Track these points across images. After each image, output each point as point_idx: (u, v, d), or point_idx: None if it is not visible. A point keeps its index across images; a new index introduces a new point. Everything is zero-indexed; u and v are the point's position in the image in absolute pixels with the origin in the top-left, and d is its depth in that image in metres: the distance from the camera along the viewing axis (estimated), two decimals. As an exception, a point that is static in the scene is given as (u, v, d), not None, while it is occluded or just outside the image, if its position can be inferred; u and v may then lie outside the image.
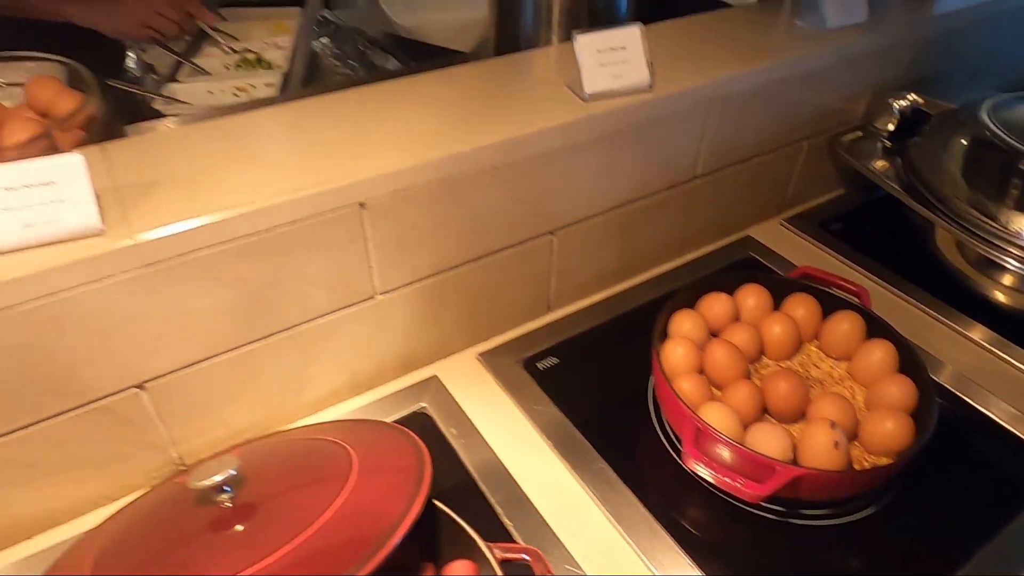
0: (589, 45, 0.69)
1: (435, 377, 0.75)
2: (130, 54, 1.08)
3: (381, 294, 0.67)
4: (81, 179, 0.50)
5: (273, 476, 0.55)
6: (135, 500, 0.60)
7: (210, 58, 1.02)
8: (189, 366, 0.59)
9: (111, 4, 0.95)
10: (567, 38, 0.99)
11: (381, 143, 0.62)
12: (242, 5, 1.19)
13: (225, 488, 0.49)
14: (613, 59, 0.70)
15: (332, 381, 0.70)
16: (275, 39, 1.07)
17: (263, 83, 0.93)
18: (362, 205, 0.60)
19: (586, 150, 0.72)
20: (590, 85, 0.69)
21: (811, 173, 1.00)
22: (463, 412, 0.71)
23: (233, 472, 0.49)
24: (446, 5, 1.17)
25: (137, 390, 0.58)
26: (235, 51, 1.04)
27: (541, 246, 0.76)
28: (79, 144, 0.73)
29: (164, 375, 0.59)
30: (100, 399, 0.56)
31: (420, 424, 0.70)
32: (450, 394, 0.73)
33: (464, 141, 0.63)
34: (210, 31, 1.02)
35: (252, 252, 0.56)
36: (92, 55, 1.03)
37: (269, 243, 0.57)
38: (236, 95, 0.93)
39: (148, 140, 0.62)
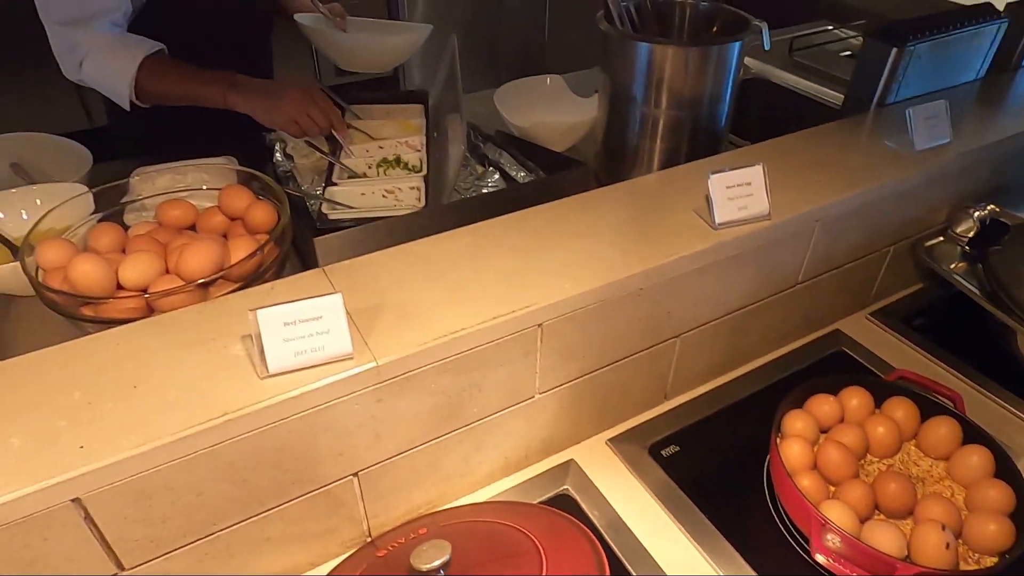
0: (720, 182, 0.80)
1: (572, 461, 0.86)
2: (277, 149, 1.23)
3: (539, 394, 0.78)
4: (340, 314, 0.62)
5: (472, 557, 0.65)
6: (340, 567, 0.72)
7: (350, 158, 1.16)
8: (392, 457, 0.71)
9: (270, 98, 1.07)
10: (669, 150, 1.12)
11: (551, 272, 0.74)
12: (365, 102, 1.34)
13: (441, 570, 0.60)
14: (739, 193, 0.81)
15: (491, 465, 0.81)
16: (406, 138, 1.20)
17: (408, 186, 1.06)
18: (539, 326, 0.71)
19: (712, 269, 0.83)
20: (720, 216, 0.81)
21: (895, 272, 1.09)
22: (602, 496, 0.81)
23: (448, 557, 0.60)
24: (557, 111, 1.30)
25: (352, 477, 0.70)
26: (373, 150, 1.18)
27: (666, 348, 0.87)
28: (277, 255, 0.86)
29: (373, 465, 0.70)
30: (326, 486, 0.68)
31: (566, 506, 0.80)
32: (588, 478, 0.83)
33: (618, 269, 0.75)
34: (342, 141, 1.14)
35: (454, 368, 0.68)
36: (231, 140, 1.19)
37: (467, 360, 0.68)
38: (385, 196, 1.06)
39: (358, 265, 0.75)
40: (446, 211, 0.98)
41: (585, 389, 0.82)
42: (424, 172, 1.09)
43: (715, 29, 1.13)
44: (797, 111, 1.50)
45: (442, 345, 0.65)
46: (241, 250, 0.81)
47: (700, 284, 0.83)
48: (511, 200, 1.02)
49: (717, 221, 0.81)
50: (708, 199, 0.81)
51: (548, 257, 0.76)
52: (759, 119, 1.63)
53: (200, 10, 1.19)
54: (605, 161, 1.20)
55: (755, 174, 0.82)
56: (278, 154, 1.22)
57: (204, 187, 0.99)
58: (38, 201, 0.98)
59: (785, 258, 0.91)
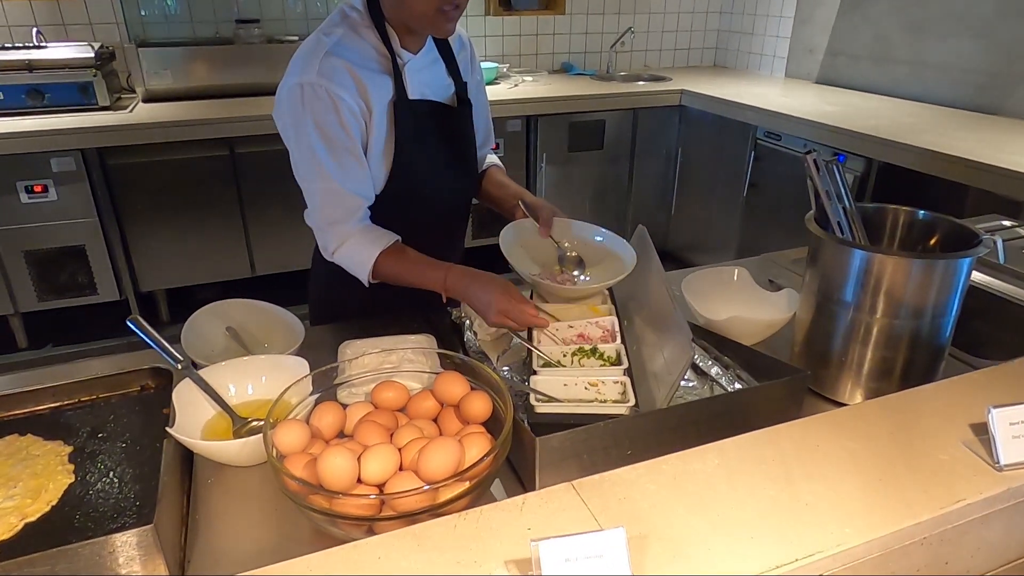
0: (1003, 419, 0.73)
1: None
2: (467, 327, 1.26)
3: (801, 651, 0.68)
4: (623, 553, 0.57)
5: None
6: None
7: (541, 344, 1.15)
8: None
9: (484, 291, 1.10)
10: (883, 359, 1.05)
11: (822, 510, 0.67)
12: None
13: None
14: (1024, 431, 0.73)
15: None
16: (596, 320, 1.19)
17: (611, 380, 1.04)
18: (819, 577, 0.63)
19: (996, 515, 0.73)
20: (1006, 456, 0.72)
21: None
22: None
23: None
24: (750, 305, 1.28)
25: None
26: (563, 330, 1.17)
27: (936, 602, 0.75)
28: (492, 447, 0.83)
29: None
30: None
31: None
32: None
33: (900, 515, 0.67)
34: (528, 344, 1.11)
35: (730, 620, 0.60)
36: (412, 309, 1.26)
37: (744, 612, 0.61)
38: (587, 389, 1.04)
39: (608, 483, 0.71)
40: (662, 413, 0.93)
41: (848, 648, 0.71)
42: (625, 365, 1.06)
43: (935, 240, 1.10)
44: (999, 313, 1.41)
45: (724, 596, 0.59)
46: (474, 448, 0.79)
47: (981, 532, 0.73)
48: (727, 405, 0.97)
49: (1002, 462, 0.72)
50: (990, 435, 0.73)
51: (812, 489, 0.69)
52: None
53: (420, 200, 1.30)
54: (805, 363, 1.14)
55: (1041, 411, 0.74)
56: (468, 332, 1.24)
57: (410, 368, 1.01)
58: (264, 378, 1.02)
59: (1068, 504, 0.80)
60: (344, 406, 0.93)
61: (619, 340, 1.14)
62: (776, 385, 0.97)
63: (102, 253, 2.72)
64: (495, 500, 0.89)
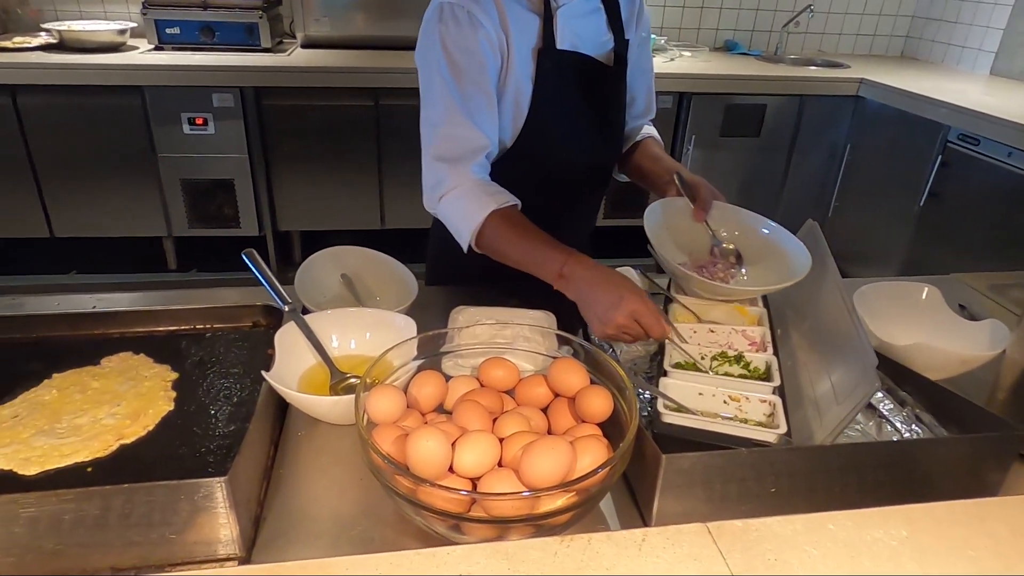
0: None
1: None
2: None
3: None
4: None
5: None
6: None
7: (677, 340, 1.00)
8: None
9: (605, 299, 0.90)
10: None
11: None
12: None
13: None
14: None
15: None
16: (743, 328, 1.02)
17: (757, 397, 0.87)
18: None
19: None
20: None
21: None
22: None
23: None
24: (940, 333, 1.05)
25: None
26: (702, 333, 1.01)
27: None
28: (609, 458, 0.70)
29: None
30: None
31: None
32: None
33: None
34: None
35: None
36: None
37: None
38: (727, 403, 0.88)
39: (753, 533, 0.56)
40: (823, 451, 0.76)
41: None
42: (777, 383, 0.89)
43: None
44: None
45: None
46: (588, 456, 0.67)
47: None
48: (907, 455, 0.78)
49: None
50: None
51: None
52: None
53: (550, 166, 1.17)
54: (1010, 415, 0.90)
55: None
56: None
57: (525, 347, 0.89)
58: (368, 334, 0.95)
59: None
60: (447, 377, 0.84)
61: (771, 351, 0.96)
62: (980, 440, 0.76)
63: (248, 189, 2.84)
64: (602, 517, 0.77)
